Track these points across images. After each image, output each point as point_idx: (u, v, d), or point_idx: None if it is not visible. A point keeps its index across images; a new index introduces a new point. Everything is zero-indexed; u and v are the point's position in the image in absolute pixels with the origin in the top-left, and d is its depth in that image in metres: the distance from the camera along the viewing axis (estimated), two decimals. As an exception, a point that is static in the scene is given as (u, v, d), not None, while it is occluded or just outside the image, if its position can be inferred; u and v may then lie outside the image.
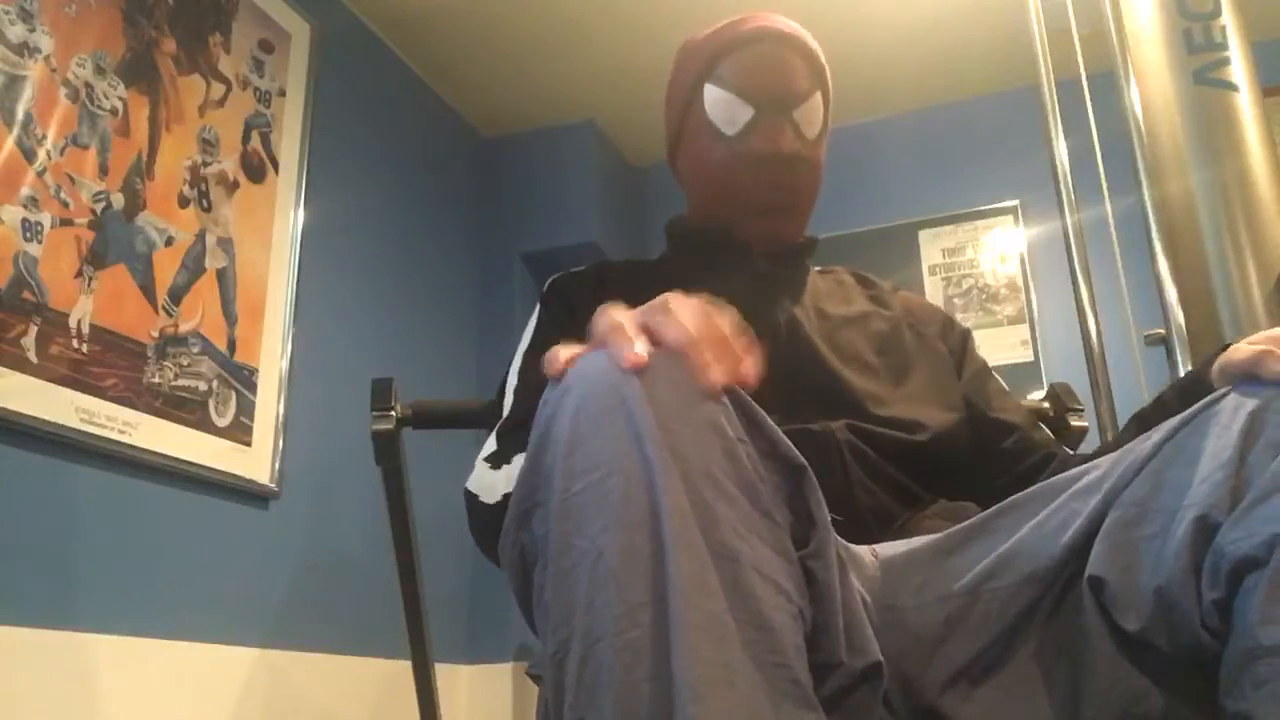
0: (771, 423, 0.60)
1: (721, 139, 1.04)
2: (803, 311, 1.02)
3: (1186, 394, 0.83)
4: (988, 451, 1.00)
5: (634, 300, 0.95)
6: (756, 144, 1.02)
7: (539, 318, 1.06)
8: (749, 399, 0.60)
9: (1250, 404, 0.62)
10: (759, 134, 1.02)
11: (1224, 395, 0.65)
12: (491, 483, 0.88)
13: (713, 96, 1.04)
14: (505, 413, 0.98)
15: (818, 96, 1.05)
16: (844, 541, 0.72)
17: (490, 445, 0.93)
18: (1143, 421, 0.89)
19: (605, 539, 0.53)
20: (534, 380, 0.96)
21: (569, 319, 1.02)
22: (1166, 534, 0.62)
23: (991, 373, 1.10)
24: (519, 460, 0.87)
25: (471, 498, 0.89)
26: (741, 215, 1.05)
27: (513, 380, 1.00)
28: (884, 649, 0.62)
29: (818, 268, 1.15)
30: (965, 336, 1.11)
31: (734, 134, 1.03)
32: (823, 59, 1.08)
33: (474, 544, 0.93)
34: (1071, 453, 1.07)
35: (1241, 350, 0.69)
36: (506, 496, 0.85)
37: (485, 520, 0.87)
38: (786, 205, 1.05)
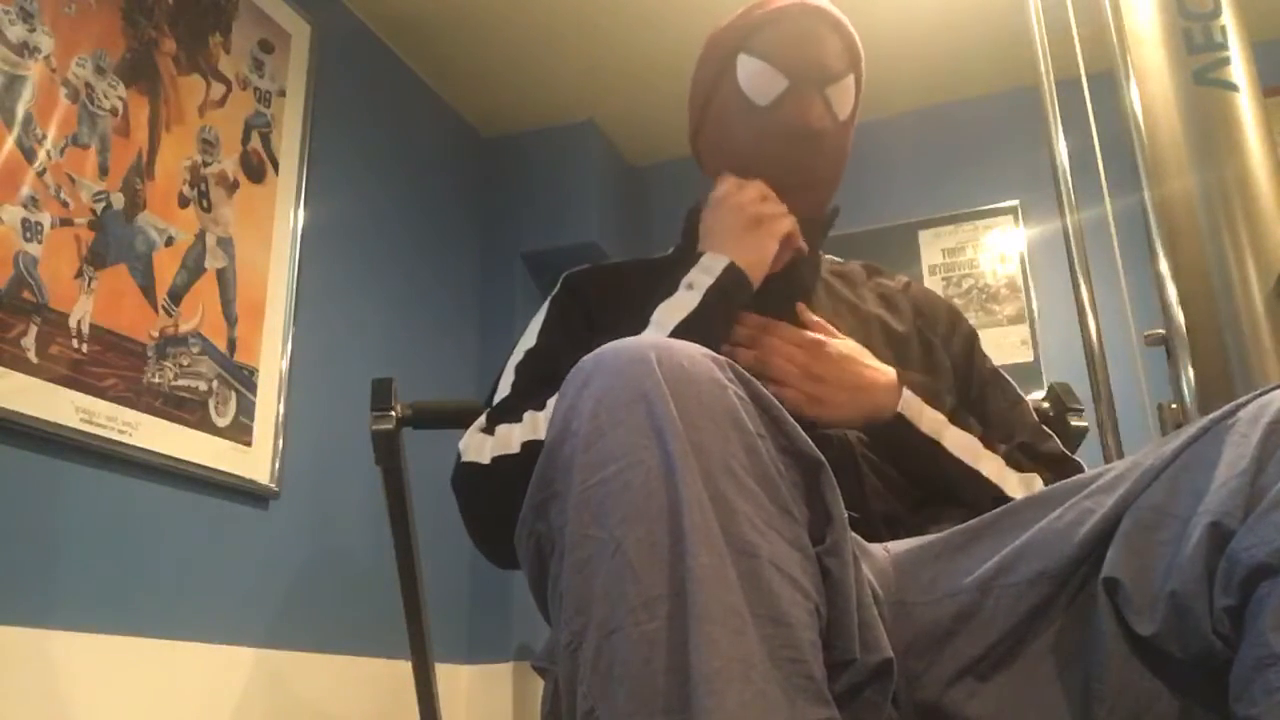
0: (790, 418, 0.60)
1: (753, 111, 1.02)
2: (818, 317, 1.01)
3: None
4: None
5: (649, 298, 0.95)
6: (787, 117, 1.01)
7: (548, 313, 1.03)
8: (768, 394, 0.60)
9: (1269, 414, 0.62)
10: (791, 106, 1.01)
11: (1244, 404, 0.65)
12: (479, 444, 0.87)
13: (747, 67, 1.03)
14: (496, 400, 0.94)
15: (851, 80, 1.06)
16: (857, 537, 0.72)
17: (480, 422, 0.91)
18: None
19: (624, 531, 0.53)
20: (533, 378, 0.94)
21: (582, 317, 1.00)
22: (1181, 540, 0.62)
23: (998, 377, 1.09)
24: (504, 429, 0.86)
25: (465, 466, 0.87)
26: None
27: (508, 376, 0.97)
28: (892, 644, 0.62)
29: (833, 258, 1.13)
30: (970, 341, 1.10)
31: (766, 105, 1.02)
32: (859, 43, 1.08)
33: (474, 542, 0.90)
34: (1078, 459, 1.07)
35: None
36: (496, 458, 0.85)
37: (477, 483, 0.85)
38: (807, 185, 1.04)
